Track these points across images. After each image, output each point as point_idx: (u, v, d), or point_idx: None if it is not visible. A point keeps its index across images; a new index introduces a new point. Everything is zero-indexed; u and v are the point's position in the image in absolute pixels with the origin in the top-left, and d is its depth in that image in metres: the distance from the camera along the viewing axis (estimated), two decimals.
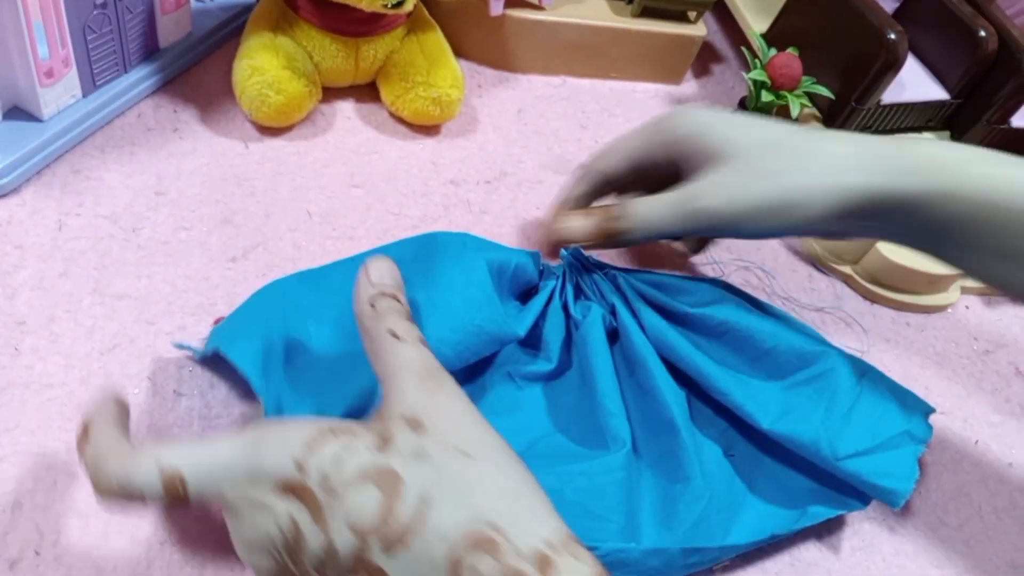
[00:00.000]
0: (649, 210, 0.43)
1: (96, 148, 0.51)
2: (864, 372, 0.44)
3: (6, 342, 0.41)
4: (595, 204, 0.48)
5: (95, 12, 0.47)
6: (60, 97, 0.48)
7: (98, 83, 0.50)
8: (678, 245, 0.54)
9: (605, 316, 0.44)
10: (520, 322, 0.43)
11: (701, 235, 0.46)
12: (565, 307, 0.45)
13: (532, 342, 0.45)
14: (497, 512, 0.28)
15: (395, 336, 0.32)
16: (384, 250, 0.45)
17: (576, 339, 0.45)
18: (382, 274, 0.34)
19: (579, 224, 0.45)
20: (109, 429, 0.31)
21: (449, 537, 0.27)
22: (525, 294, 0.46)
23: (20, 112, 0.48)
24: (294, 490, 0.28)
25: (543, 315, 0.45)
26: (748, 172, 0.40)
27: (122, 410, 0.32)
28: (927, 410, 0.44)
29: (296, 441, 0.29)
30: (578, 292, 0.46)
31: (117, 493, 0.29)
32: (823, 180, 0.39)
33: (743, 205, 0.40)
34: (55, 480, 0.37)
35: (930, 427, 0.44)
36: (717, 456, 0.43)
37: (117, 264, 0.46)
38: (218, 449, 0.30)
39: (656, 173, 0.46)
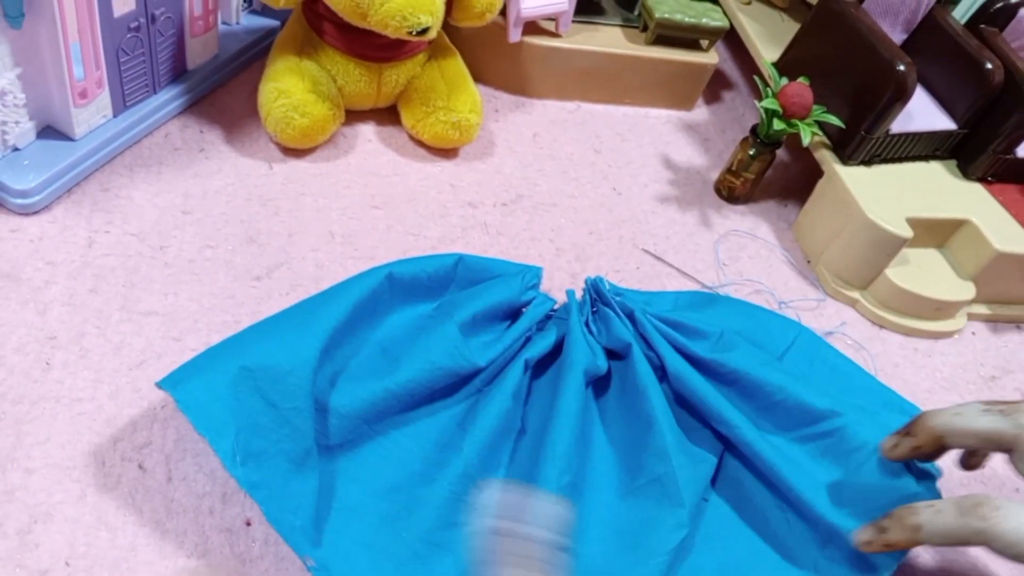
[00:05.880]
0: (944, 528, 0.39)
1: (125, 167, 0.52)
2: (878, 436, 0.44)
3: (38, 356, 0.42)
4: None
5: (128, 35, 0.49)
6: (92, 117, 0.49)
7: (128, 103, 0.52)
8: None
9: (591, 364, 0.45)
10: (483, 352, 0.44)
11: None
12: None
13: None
14: None
15: None
16: (405, 264, 0.46)
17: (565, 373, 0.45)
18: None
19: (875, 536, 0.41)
20: None
21: None
22: (515, 313, 0.47)
23: (53, 131, 0.49)
24: None
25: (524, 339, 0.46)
26: None
27: None
28: (933, 476, 0.45)
29: None
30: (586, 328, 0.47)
31: None
32: None
33: None
34: (84, 493, 0.38)
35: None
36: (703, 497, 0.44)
37: (145, 281, 0.47)
38: None
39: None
